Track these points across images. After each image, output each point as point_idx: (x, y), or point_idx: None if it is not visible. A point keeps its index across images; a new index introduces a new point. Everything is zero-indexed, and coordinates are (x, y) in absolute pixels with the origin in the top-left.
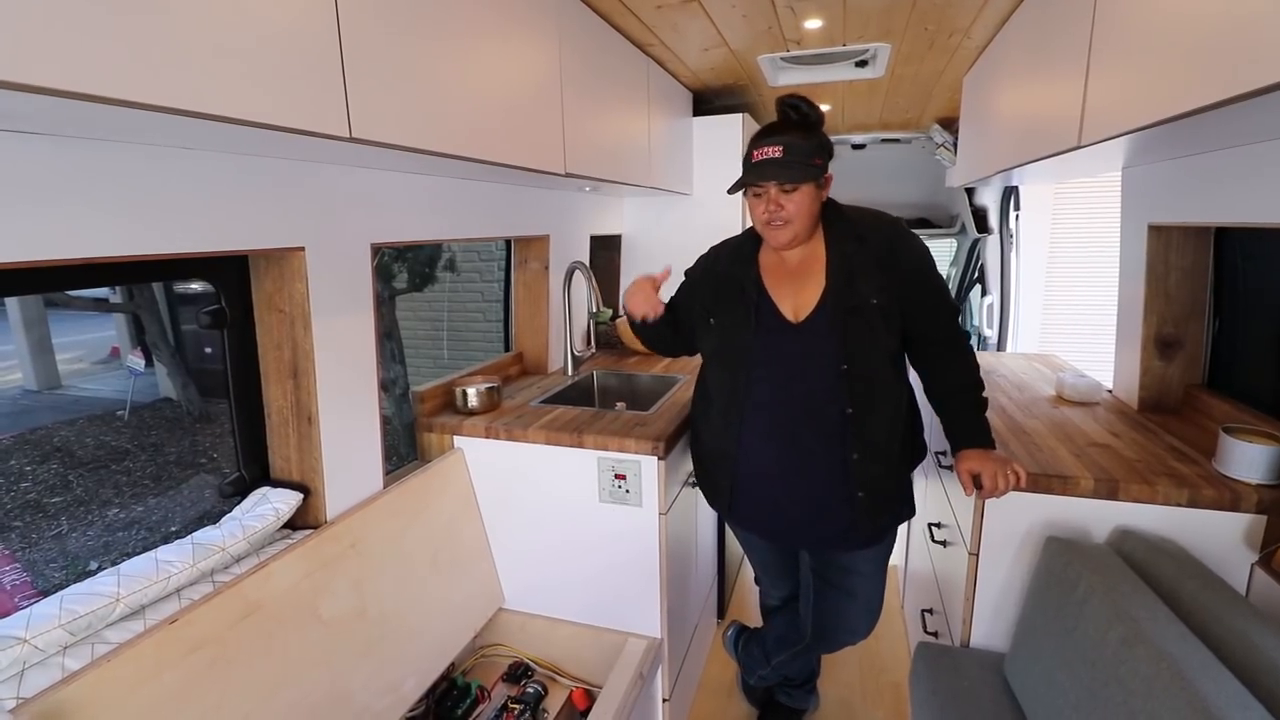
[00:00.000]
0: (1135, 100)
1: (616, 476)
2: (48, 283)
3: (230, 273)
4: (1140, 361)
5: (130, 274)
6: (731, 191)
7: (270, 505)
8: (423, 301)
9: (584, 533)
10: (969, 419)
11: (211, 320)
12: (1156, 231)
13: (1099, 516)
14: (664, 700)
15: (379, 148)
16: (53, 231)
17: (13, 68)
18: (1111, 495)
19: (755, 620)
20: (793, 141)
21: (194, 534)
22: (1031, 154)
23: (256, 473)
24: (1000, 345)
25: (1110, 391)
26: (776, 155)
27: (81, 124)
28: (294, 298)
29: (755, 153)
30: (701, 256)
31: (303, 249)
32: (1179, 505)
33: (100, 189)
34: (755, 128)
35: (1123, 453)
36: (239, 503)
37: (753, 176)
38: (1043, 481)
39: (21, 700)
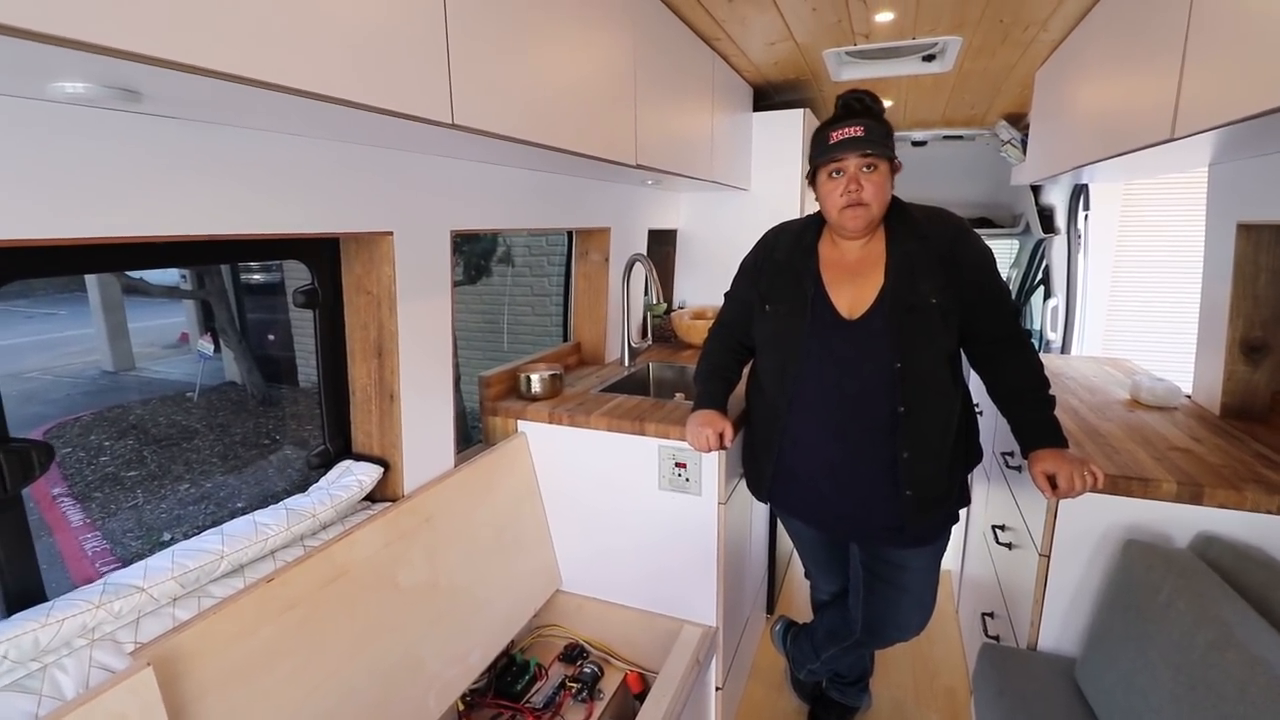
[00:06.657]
0: (1236, 91)
1: (677, 465)
2: (170, 258)
3: (323, 255)
4: (1224, 366)
5: (237, 252)
6: (810, 175)
7: (354, 477)
8: (473, 295)
9: (642, 519)
10: (1038, 418)
11: (306, 300)
12: (1246, 230)
13: (1180, 521)
14: (717, 689)
15: (469, 134)
16: (183, 209)
17: (169, 46)
18: (1195, 500)
19: (803, 616)
20: (870, 123)
21: (286, 500)
22: (1116, 148)
23: (340, 446)
24: (1064, 349)
25: (1189, 396)
26: (858, 134)
27: (206, 106)
28: (381, 280)
29: (834, 134)
30: (758, 241)
31: (391, 234)
32: (1269, 513)
33: (223, 171)
34: (815, 124)
35: (1206, 458)
36: (323, 474)
37: (836, 151)
38: (1121, 484)
39: (139, 644)
